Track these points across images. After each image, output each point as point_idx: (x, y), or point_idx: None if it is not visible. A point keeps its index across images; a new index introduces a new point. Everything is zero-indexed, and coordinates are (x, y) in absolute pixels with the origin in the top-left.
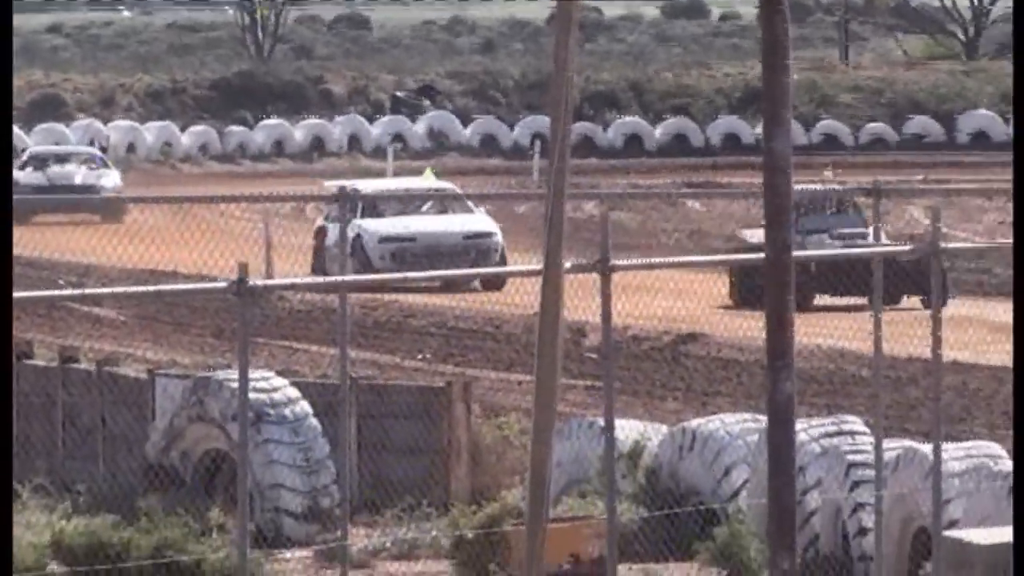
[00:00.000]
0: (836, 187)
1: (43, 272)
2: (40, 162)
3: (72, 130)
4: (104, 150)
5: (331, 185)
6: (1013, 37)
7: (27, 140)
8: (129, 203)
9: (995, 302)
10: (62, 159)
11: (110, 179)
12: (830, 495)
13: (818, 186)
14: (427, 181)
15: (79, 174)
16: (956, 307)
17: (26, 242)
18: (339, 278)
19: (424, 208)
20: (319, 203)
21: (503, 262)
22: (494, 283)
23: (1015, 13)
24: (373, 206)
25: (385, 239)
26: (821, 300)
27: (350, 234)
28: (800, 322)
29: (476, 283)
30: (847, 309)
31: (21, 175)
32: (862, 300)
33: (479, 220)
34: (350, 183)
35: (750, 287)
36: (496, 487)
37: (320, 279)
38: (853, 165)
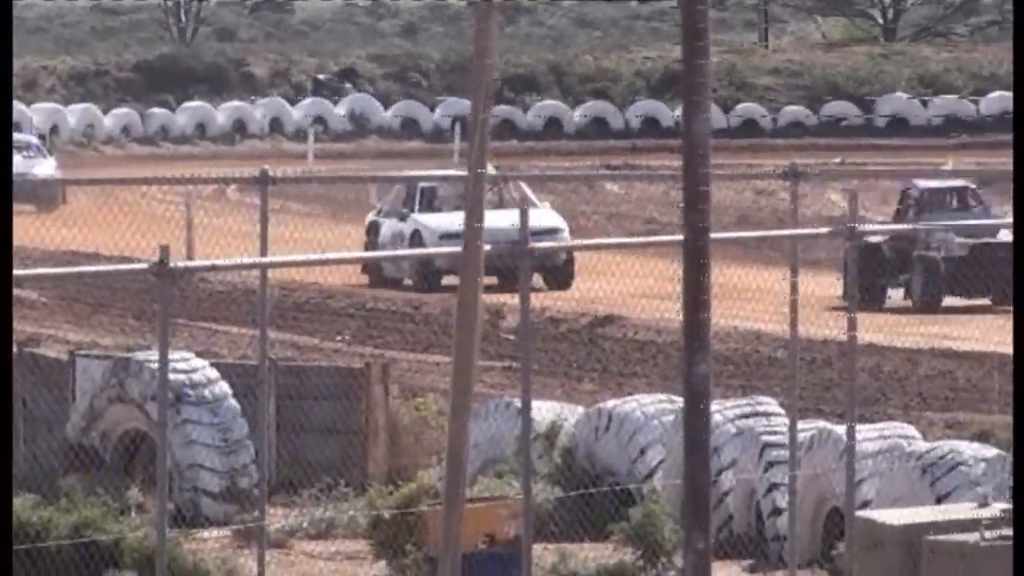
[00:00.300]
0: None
1: None
2: None
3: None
4: (43, 137)
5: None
6: (1013, 34)
7: None
8: (58, 186)
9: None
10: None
11: (44, 168)
12: (745, 475)
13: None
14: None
15: (32, 150)
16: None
17: None
18: (261, 259)
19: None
20: (243, 185)
21: (571, 261)
22: (562, 281)
23: (1015, 11)
24: (430, 200)
25: (447, 235)
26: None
27: (407, 230)
28: (716, 304)
29: (539, 280)
30: (977, 311)
31: None
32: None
33: (545, 215)
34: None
35: (869, 284)
36: (413, 467)
37: (243, 259)
38: (772, 148)
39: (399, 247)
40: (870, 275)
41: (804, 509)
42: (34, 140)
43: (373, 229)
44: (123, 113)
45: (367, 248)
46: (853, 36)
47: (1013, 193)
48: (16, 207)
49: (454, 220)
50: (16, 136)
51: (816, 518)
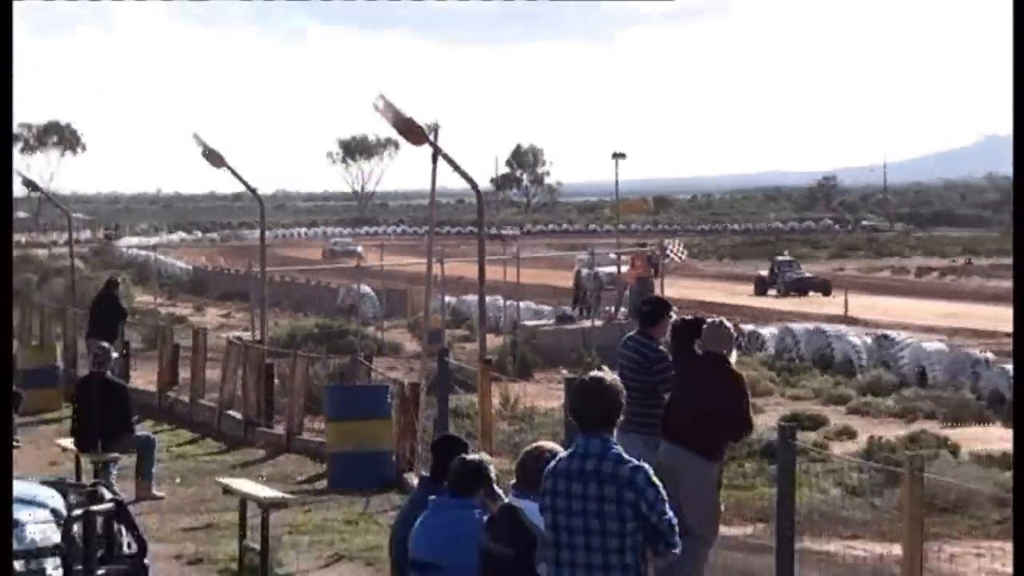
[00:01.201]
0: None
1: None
2: (335, 244)
3: (322, 228)
4: (350, 245)
5: (583, 259)
6: (1013, 34)
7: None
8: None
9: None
10: (343, 242)
11: (360, 248)
12: (494, 313)
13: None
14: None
15: (352, 247)
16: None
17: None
18: (382, 263)
19: (605, 266)
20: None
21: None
22: (621, 292)
23: (1015, 13)
24: (601, 260)
25: (606, 274)
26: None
27: (592, 273)
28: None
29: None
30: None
31: (328, 244)
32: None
33: (611, 269)
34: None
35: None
36: (420, 312)
37: (376, 263)
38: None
39: (592, 283)
40: (762, 283)
41: (491, 321)
42: (350, 240)
43: (578, 274)
44: (348, 231)
45: (575, 282)
46: (515, 213)
47: (1013, 197)
48: (344, 259)
49: (604, 270)
50: (343, 239)
51: (499, 327)
